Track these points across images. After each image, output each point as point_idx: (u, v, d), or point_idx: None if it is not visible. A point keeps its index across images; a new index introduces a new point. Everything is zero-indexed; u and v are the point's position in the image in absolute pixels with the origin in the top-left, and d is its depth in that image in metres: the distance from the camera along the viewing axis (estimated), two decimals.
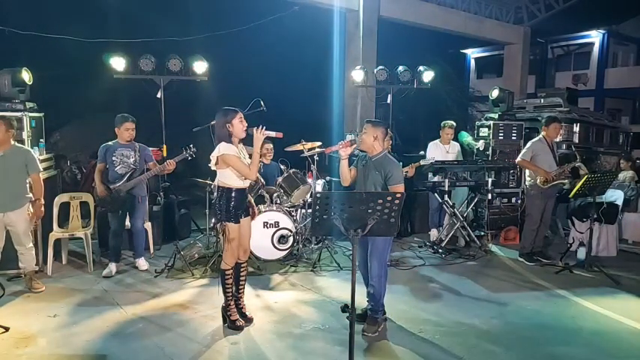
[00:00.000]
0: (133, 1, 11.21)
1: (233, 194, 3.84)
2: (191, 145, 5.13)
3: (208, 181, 5.96)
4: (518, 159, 6.04)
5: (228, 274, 3.98)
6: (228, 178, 3.83)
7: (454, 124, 7.00)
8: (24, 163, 4.67)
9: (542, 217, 6.00)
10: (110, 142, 5.33)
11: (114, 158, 5.25)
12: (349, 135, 8.09)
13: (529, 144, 6.02)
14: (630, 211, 7.03)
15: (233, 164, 3.76)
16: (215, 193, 3.99)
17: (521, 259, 6.08)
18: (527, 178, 6.09)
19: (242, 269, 4.11)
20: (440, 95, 15.80)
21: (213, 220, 6.06)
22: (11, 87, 5.29)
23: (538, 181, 5.83)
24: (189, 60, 6.87)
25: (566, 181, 6.02)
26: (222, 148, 3.76)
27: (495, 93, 7.62)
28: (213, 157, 3.81)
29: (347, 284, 3.24)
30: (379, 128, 3.97)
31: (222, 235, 3.87)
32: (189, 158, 5.17)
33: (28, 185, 4.80)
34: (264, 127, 3.81)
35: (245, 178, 3.88)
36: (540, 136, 6.03)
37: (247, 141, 3.98)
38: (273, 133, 3.91)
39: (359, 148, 4.07)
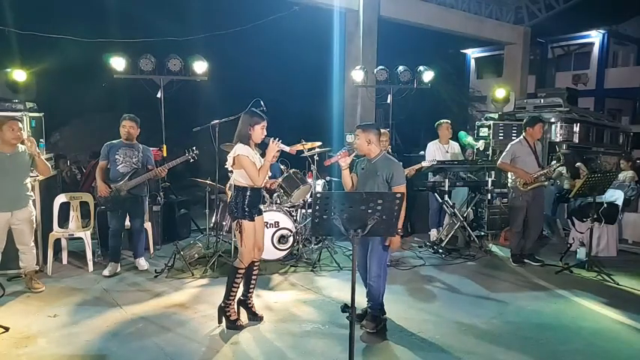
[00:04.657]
0: (133, 1, 11.21)
1: (248, 193, 3.91)
2: (194, 148, 5.15)
3: (208, 181, 5.97)
4: (499, 162, 5.99)
5: (240, 274, 3.99)
6: (244, 177, 3.90)
7: (449, 121, 6.98)
8: (29, 163, 4.72)
9: (529, 219, 5.93)
10: (114, 141, 5.35)
11: (117, 157, 5.27)
12: (349, 135, 8.09)
13: (509, 146, 5.96)
14: (630, 211, 7.04)
15: (245, 166, 3.83)
16: (230, 192, 4.04)
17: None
18: (509, 180, 6.07)
19: (255, 268, 4.14)
20: (440, 95, 15.79)
21: (213, 220, 6.09)
22: (4, 87, 5.31)
23: (518, 183, 5.81)
24: (189, 60, 6.87)
25: (546, 182, 5.96)
26: (238, 149, 3.85)
27: (502, 93, 7.61)
28: (229, 157, 3.91)
29: (347, 284, 3.24)
30: (370, 131, 3.98)
31: (239, 233, 3.91)
32: (192, 160, 5.18)
33: (30, 185, 4.83)
34: (280, 140, 3.95)
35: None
36: (521, 137, 5.97)
37: (262, 145, 4.07)
38: (287, 148, 4.10)
39: (357, 154, 4.08)
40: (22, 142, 4.66)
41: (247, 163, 3.83)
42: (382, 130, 5.11)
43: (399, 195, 2.89)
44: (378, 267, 3.92)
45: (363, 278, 4.08)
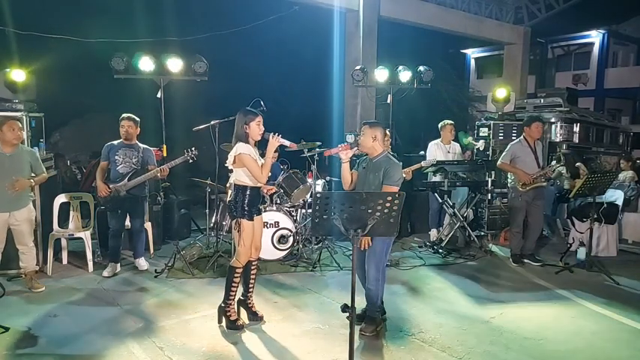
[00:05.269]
0: (133, 1, 11.21)
1: (248, 192, 3.92)
2: (193, 148, 5.14)
3: (208, 181, 5.97)
4: (499, 162, 5.98)
5: (238, 273, 3.99)
6: (244, 176, 3.91)
7: (453, 122, 6.99)
8: (29, 163, 4.73)
9: (529, 219, 5.92)
10: (115, 142, 5.35)
11: (116, 157, 5.27)
12: (349, 135, 8.09)
13: (508, 146, 5.97)
14: (630, 211, 7.03)
15: (247, 165, 3.84)
16: (230, 191, 4.04)
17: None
18: (509, 180, 6.07)
19: (253, 267, 4.15)
20: (440, 95, 15.78)
21: (213, 220, 6.09)
22: (4, 87, 5.33)
23: (517, 183, 5.80)
24: (189, 60, 6.87)
25: (545, 183, 5.94)
26: (239, 148, 3.85)
27: (502, 93, 7.61)
28: (230, 155, 3.90)
29: (347, 284, 3.23)
30: (377, 128, 3.96)
31: (237, 232, 3.92)
32: (191, 161, 5.18)
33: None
34: (280, 135, 3.94)
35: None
36: (521, 137, 5.96)
37: (261, 144, 4.07)
38: (287, 143, 4.07)
39: (359, 151, 4.06)
40: (23, 143, 4.67)
41: (249, 161, 3.83)
42: None
43: (399, 195, 2.88)
44: (377, 271, 3.91)
45: (361, 282, 4.06)
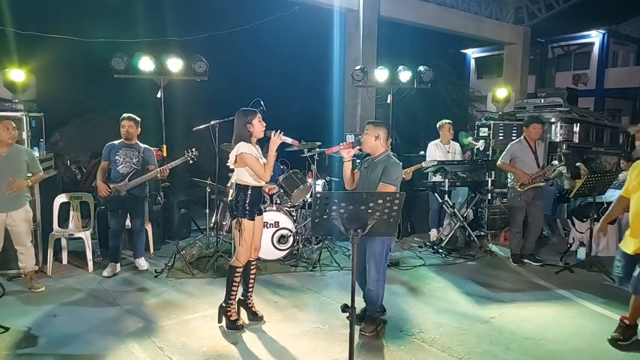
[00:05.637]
0: (134, 1, 11.21)
1: (249, 192, 3.93)
2: (193, 149, 5.14)
3: (208, 181, 5.97)
4: (498, 162, 5.99)
5: (239, 273, 4.00)
6: (245, 176, 3.91)
7: (451, 121, 6.99)
8: (26, 162, 4.71)
9: (529, 219, 5.92)
10: (115, 142, 5.35)
11: (117, 157, 5.27)
12: (349, 135, 8.10)
13: (508, 146, 5.98)
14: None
15: (250, 164, 3.84)
16: (231, 191, 4.05)
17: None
18: (509, 180, 6.08)
19: (252, 267, 4.15)
20: (440, 95, 15.78)
21: (213, 220, 6.09)
22: (4, 87, 5.34)
23: (515, 183, 5.81)
24: (189, 60, 6.87)
25: (543, 183, 5.91)
26: (241, 147, 3.85)
27: (503, 93, 7.61)
28: (232, 155, 3.90)
29: (347, 284, 3.24)
30: (380, 128, 3.96)
31: (238, 231, 3.93)
32: (191, 162, 5.18)
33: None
34: (282, 132, 3.94)
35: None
36: (521, 137, 5.97)
37: (262, 143, 4.08)
38: (289, 140, 4.07)
39: (361, 150, 4.05)
40: (22, 143, 4.66)
41: (252, 160, 3.84)
42: None
43: (399, 195, 2.88)
44: (377, 272, 3.90)
45: (360, 286, 4.04)
